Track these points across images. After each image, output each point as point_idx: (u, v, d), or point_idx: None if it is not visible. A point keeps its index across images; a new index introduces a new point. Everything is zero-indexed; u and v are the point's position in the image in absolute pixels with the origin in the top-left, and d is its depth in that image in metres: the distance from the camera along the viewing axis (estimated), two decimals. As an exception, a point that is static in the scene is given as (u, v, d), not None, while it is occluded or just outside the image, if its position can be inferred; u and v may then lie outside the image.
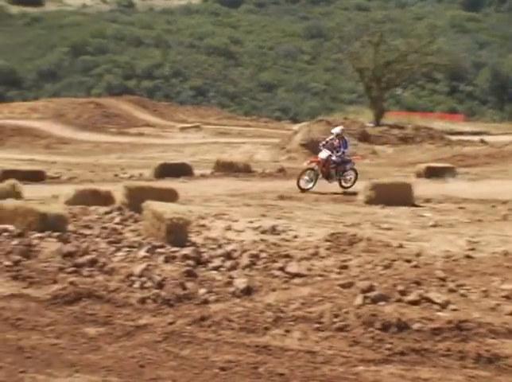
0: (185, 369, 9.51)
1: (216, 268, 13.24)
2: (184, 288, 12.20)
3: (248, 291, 12.17)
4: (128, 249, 14.20)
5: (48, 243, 14.02)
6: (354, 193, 23.66)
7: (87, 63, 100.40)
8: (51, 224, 14.74)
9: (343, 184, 25.62)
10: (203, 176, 28.61)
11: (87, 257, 13.41)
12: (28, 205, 15.35)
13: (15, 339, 10.04)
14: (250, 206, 19.90)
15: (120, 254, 13.88)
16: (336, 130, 25.92)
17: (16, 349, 9.70)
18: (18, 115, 59.58)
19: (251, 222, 16.81)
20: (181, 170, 28.04)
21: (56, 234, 14.44)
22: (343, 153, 25.19)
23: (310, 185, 24.71)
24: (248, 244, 14.63)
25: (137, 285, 12.33)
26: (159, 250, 13.99)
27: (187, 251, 13.87)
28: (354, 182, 25.57)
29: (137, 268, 12.93)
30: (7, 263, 12.98)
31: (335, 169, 25.05)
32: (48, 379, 8.94)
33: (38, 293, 11.87)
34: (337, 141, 25.31)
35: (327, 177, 24.99)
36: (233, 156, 36.33)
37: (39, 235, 14.33)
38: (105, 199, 18.77)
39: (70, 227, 15.26)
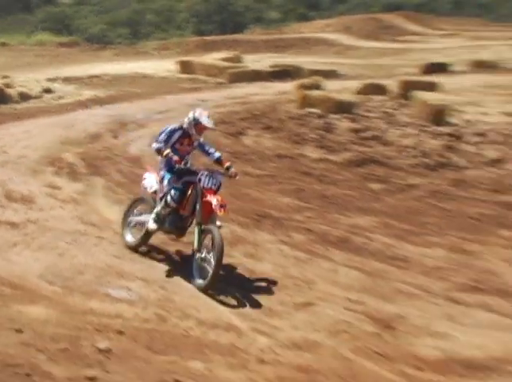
0: (444, 217, 9.35)
1: (471, 143, 12.71)
2: (445, 157, 11.90)
3: (497, 161, 11.59)
4: (401, 128, 14.00)
5: (342, 122, 14.20)
6: None
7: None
8: (344, 108, 14.89)
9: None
10: (461, 72, 27.02)
11: (370, 133, 13.45)
12: (329, 95, 15.59)
13: (320, 189, 10.43)
14: (501, 95, 18.49)
15: (397, 131, 13.73)
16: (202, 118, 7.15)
17: (321, 196, 10.08)
18: (318, 30, 59.69)
19: (500, 108, 15.64)
20: (442, 68, 26.84)
21: (348, 115, 14.56)
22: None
23: None
24: (497, 125, 13.76)
25: (408, 154, 12.22)
26: (427, 128, 13.68)
27: (448, 129, 13.44)
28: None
29: (409, 142, 12.79)
30: (313, 136, 13.37)
31: None
32: (345, 218, 9.21)
33: (336, 158, 12.17)
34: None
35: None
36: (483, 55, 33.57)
37: (336, 116, 14.52)
38: (383, 90, 18.51)
39: (357, 111, 15.26)
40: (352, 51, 46.59)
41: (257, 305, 6.69)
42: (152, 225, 7.17)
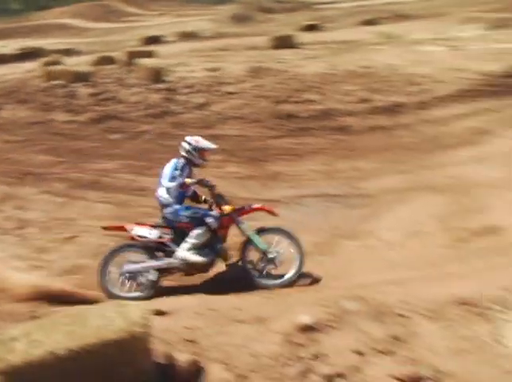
0: (168, 152, 9.34)
1: (183, 94, 12.80)
2: (165, 107, 11.88)
3: (203, 105, 11.89)
4: (130, 88, 13.53)
5: (83, 89, 13.34)
6: None
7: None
8: (83, 77, 13.97)
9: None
10: (172, 41, 26.90)
11: (107, 94, 12.86)
12: (70, 69, 14.51)
13: (71, 145, 9.80)
14: (202, 57, 18.83)
15: (127, 91, 13.27)
16: (203, 143, 5.60)
17: (73, 151, 9.48)
18: (57, 16, 54.91)
19: (202, 65, 15.92)
20: (157, 39, 26.51)
21: (87, 83, 13.72)
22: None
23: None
24: (201, 78, 14.02)
25: (137, 108, 11.94)
26: (149, 86, 13.38)
27: (165, 85, 13.35)
28: None
29: (137, 98, 12.49)
30: (60, 103, 12.40)
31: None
32: (94, 165, 8.82)
33: (81, 118, 11.46)
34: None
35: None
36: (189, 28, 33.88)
37: (77, 85, 13.59)
38: (113, 61, 17.70)
39: (94, 78, 14.45)
40: (86, 32, 44.03)
41: (30, 246, 6.19)
42: (198, 258, 5.20)
